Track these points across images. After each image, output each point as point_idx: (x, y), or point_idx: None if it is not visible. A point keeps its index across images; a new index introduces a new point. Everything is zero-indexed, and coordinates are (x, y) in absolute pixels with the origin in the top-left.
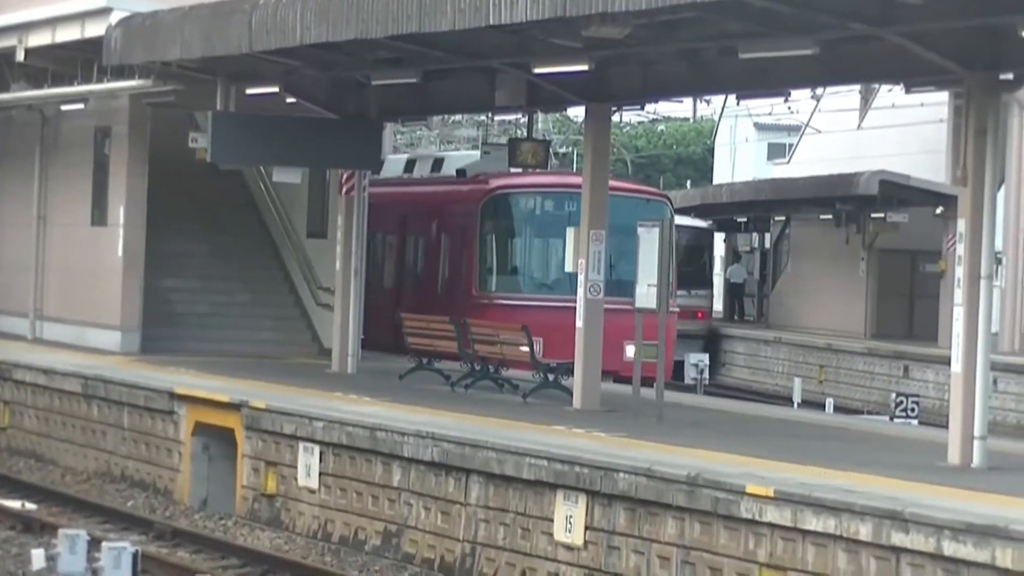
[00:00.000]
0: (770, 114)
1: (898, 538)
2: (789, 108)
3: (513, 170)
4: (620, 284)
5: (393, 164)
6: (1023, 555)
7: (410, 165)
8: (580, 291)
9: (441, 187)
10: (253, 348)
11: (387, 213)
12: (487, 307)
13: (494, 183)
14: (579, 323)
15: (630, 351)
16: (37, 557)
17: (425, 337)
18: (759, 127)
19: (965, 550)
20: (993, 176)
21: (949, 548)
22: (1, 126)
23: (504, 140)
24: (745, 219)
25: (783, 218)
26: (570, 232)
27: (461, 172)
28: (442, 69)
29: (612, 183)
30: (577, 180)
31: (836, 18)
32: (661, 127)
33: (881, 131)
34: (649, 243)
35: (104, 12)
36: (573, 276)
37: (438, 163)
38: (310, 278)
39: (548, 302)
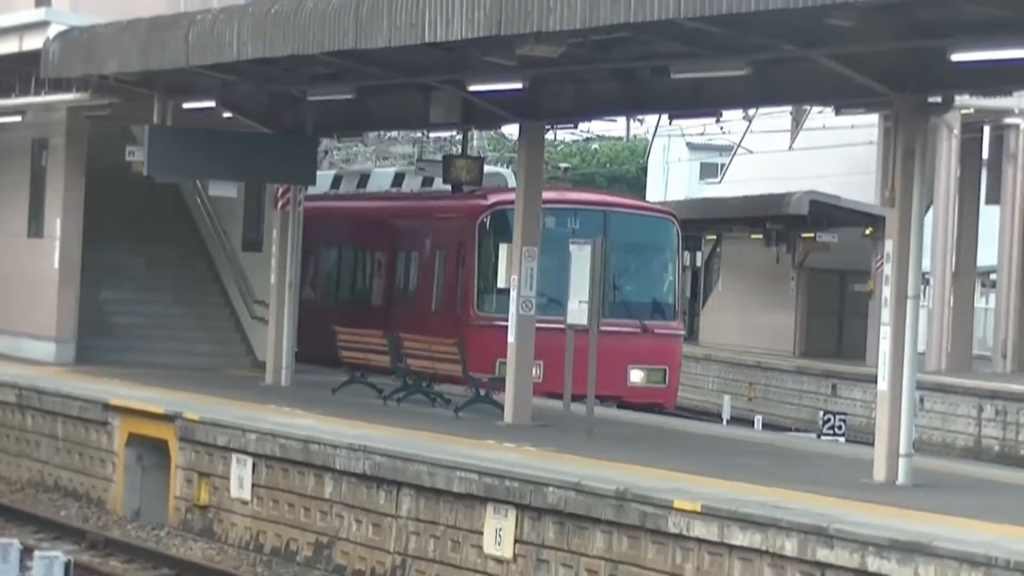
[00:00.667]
0: (702, 134)
1: (823, 554)
2: (721, 128)
3: (513, 185)
4: (626, 305)
5: (380, 177)
6: (945, 571)
7: (399, 179)
8: (512, 307)
9: (435, 202)
10: (188, 360)
11: (375, 229)
12: (487, 328)
13: (493, 198)
14: (511, 338)
15: (635, 376)
16: None
17: (359, 351)
18: (692, 147)
19: (889, 566)
20: (921, 198)
21: (873, 564)
22: None
23: (439, 157)
24: None
25: (714, 237)
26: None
27: (457, 186)
28: (378, 85)
29: (619, 200)
30: (578, 196)
31: (767, 39)
32: (595, 146)
33: (812, 152)
34: (581, 260)
35: (42, 25)
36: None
37: (428, 181)
38: (245, 291)
39: (552, 323)
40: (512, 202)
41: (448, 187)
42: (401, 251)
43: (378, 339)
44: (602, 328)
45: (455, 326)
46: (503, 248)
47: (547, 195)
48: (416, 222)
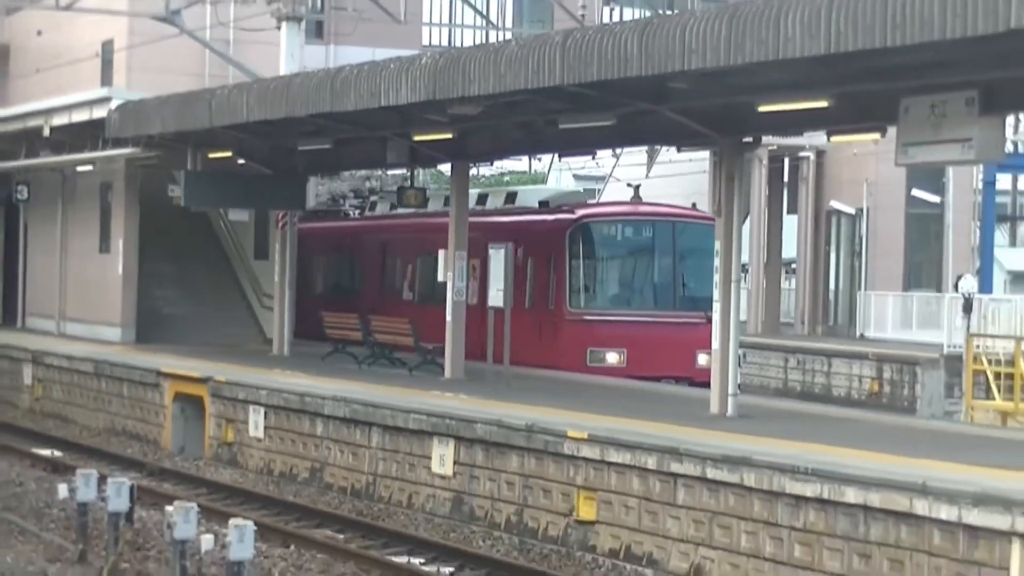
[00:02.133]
0: (583, 167)
1: (675, 466)
2: (596, 163)
3: (591, 201)
4: (693, 300)
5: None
6: (761, 477)
7: (482, 199)
8: (448, 294)
9: (526, 216)
10: (215, 339)
11: (472, 240)
12: (576, 322)
13: (580, 212)
14: (448, 318)
15: (702, 359)
16: (62, 490)
17: (340, 329)
18: (577, 177)
19: (722, 474)
20: (739, 210)
21: (711, 473)
22: (32, 182)
23: (394, 188)
24: None
25: None
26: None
27: (544, 203)
28: (348, 138)
29: (684, 211)
30: (650, 209)
31: (626, 99)
32: (506, 178)
33: (664, 179)
34: (498, 260)
35: (105, 100)
36: (654, 293)
37: (511, 196)
38: (256, 288)
39: (634, 317)
40: (594, 216)
41: (532, 204)
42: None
43: (353, 320)
44: (674, 320)
45: (549, 321)
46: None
47: (624, 208)
48: (507, 232)
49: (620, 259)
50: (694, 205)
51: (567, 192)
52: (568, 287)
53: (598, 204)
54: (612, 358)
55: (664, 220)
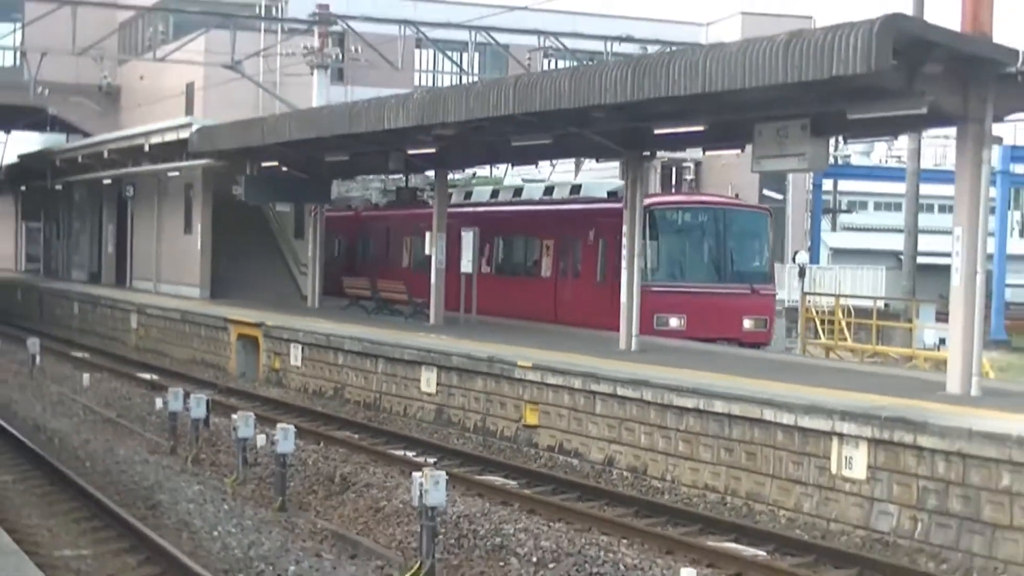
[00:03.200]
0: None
1: (595, 386)
2: (538, 171)
3: (654, 191)
4: (740, 274)
5: (534, 190)
6: (655, 393)
7: (549, 190)
8: (432, 264)
9: (598, 204)
10: (266, 296)
11: (545, 223)
12: (646, 293)
13: (648, 201)
14: (432, 280)
15: (747, 323)
16: (158, 403)
17: (355, 289)
18: (525, 180)
19: (627, 391)
20: (640, 206)
21: (621, 391)
22: (137, 184)
23: (393, 188)
24: None
25: None
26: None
27: (612, 193)
28: (360, 152)
29: (731, 200)
30: (706, 198)
31: (560, 124)
32: (474, 181)
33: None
34: (468, 239)
35: (188, 125)
36: (711, 268)
37: (576, 188)
38: (295, 259)
39: (692, 288)
40: (660, 204)
41: (597, 195)
42: (566, 239)
43: (364, 283)
44: (725, 291)
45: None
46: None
47: (685, 198)
48: (583, 218)
49: (681, 239)
50: (737, 196)
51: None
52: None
53: (661, 195)
54: (674, 322)
55: (716, 207)
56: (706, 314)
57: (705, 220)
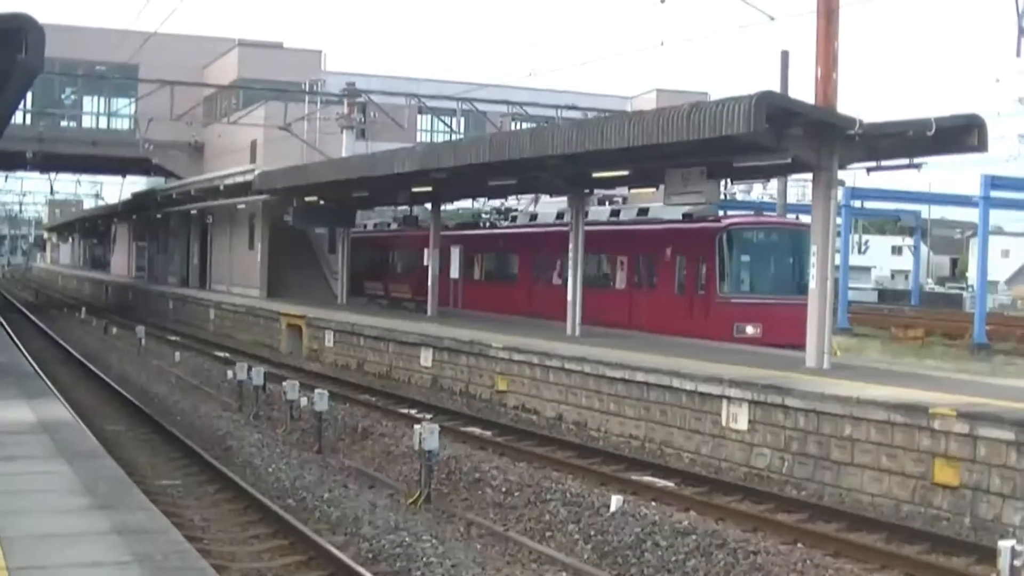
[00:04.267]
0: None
1: (548, 361)
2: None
3: (731, 212)
4: (801, 287)
5: (599, 213)
6: (593, 367)
7: (615, 213)
8: (430, 272)
9: (676, 225)
10: (307, 296)
11: (622, 241)
12: (725, 304)
13: (726, 221)
14: (429, 283)
15: None
16: (229, 374)
17: (373, 290)
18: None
19: (572, 365)
20: (582, 231)
21: (567, 364)
22: (215, 213)
23: (401, 216)
24: None
25: None
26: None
27: (688, 215)
28: (377, 189)
29: (792, 222)
30: (775, 219)
31: (523, 170)
32: (460, 211)
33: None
34: (455, 254)
35: (252, 171)
36: (783, 281)
37: (644, 211)
38: (328, 268)
39: (767, 300)
40: (737, 224)
41: (666, 216)
42: (641, 255)
43: (380, 286)
44: (794, 302)
45: (701, 303)
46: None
47: (758, 219)
48: (661, 237)
49: (756, 256)
50: (797, 217)
51: (702, 206)
52: (718, 277)
53: (734, 216)
54: (751, 331)
55: (785, 227)
56: (779, 322)
57: (776, 238)
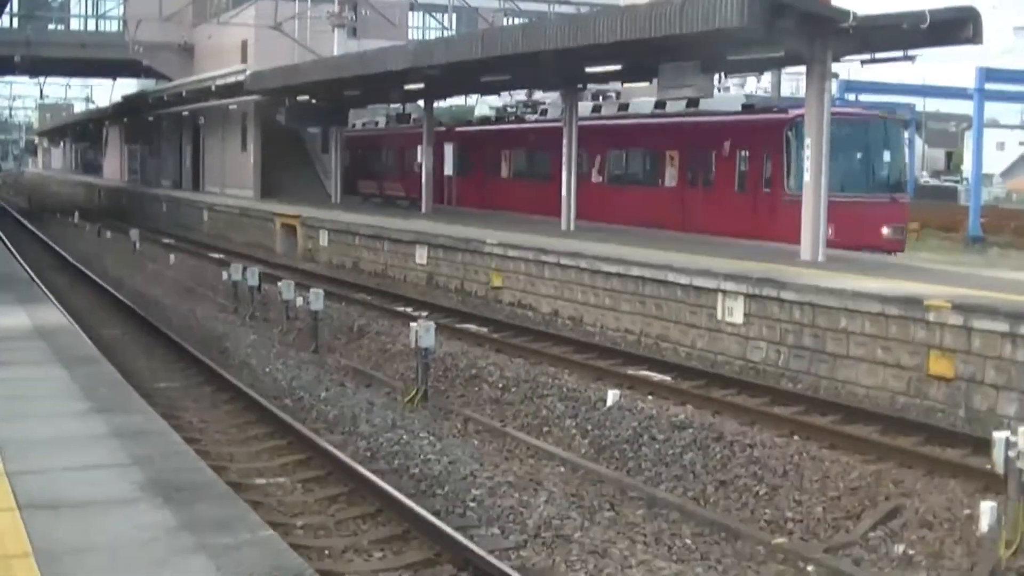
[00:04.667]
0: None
1: (543, 257)
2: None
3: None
4: (880, 184)
5: (643, 104)
6: (589, 262)
7: (660, 104)
8: (424, 171)
9: (736, 116)
10: (302, 195)
11: (665, 136)
12: (793, 203)
13: (792, 113)
14: (423, 181)
15: (885, 230)
16: (224, 275)
17: (367, 189)
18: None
19: (568, 261)
20: (576, 125)
21: (563, 260)
22: (207, 114)
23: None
24: None
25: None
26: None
27: (748, 106)
28: (369, 88)
29: (868, 112)
30: (849, 110)
31: (516, 65)
32: (452, 108)
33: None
34: (449, 151)
35: (243, 71)
36: (851, 178)
37: (693, 101)
38: (322, 168)
39: (836, 198)
40: (801, 115)
41: (720, 108)
42: (696, 150)
43: (373, 182)
44: (867, 200)
45: (766, 202)
46: (795, 149)
47: (842, 110)
48: (715, 130)
49: (834, 152)
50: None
51: (763, 96)
52: (785, 173)
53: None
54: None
55: (858, 119)
56: (850, 223)
57: (848, 131)
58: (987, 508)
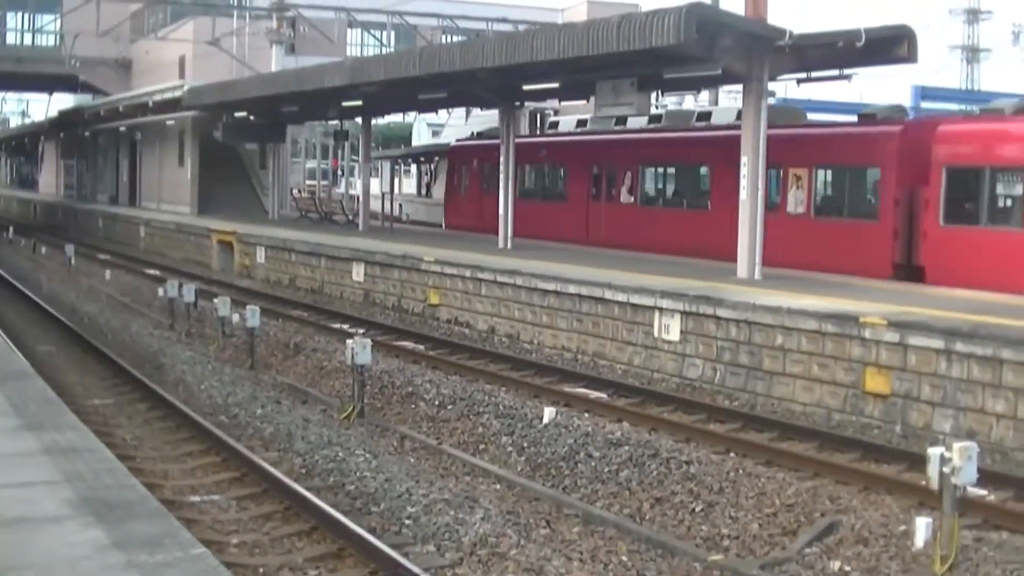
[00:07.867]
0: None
1: (479, 275)
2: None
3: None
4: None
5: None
6: (525, 279)
7: (704, 116)
8: (360, 187)
9: (840, 129)
10: (239, 212)
11: (701, 149)
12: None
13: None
14: (359, 198)
15: None
16: (160, 291)
17: (308, 206)
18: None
19: (505, 278)
20: (513, 142)
21: (499, 277)
22: (143, 130)
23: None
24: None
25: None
26: (384, 165)
27: (863, 116)
28: (307, 104)
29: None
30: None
31: (454, 83)
32: (390, 123)
33: (476, 125)
34: (386, 169)
35: (180, 87)
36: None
37: (704, 115)
38: (260, 184)
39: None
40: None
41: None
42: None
43: (312, 200)
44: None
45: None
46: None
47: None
48: (824, 144)
49: None
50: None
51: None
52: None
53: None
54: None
55: None
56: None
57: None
58: (922, 524)
